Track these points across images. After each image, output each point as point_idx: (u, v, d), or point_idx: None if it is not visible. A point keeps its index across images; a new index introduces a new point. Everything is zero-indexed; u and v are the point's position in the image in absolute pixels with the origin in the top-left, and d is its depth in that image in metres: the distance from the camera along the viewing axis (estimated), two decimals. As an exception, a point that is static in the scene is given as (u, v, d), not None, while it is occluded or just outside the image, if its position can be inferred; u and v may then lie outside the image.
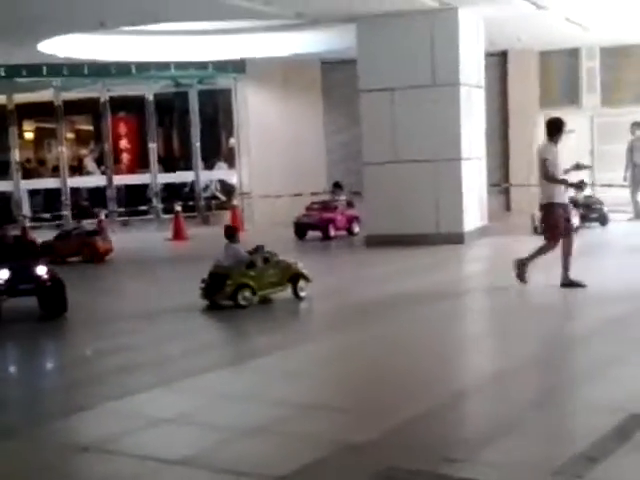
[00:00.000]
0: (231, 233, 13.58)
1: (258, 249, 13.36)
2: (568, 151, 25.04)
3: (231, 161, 28.35)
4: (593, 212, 19.79)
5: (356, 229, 21.24)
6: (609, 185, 23.42)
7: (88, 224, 20.86)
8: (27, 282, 11.72)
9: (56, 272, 12.14)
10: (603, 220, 19.79)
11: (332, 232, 20.68)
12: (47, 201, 28.43)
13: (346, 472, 5.97)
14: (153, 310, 12.92)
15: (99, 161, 29.47)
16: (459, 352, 10.13)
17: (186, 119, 28.74)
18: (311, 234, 21.05)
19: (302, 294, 12.96)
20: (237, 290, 12.36)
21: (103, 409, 7.86)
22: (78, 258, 18.80)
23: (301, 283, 13.00)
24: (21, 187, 27.48)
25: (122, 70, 25.46)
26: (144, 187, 28.70)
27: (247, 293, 12.44)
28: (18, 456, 6.74)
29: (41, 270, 11.75)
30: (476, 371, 9.14)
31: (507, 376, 8.50)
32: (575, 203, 17.98)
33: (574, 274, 12.32)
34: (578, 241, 13.32)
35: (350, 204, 21.96)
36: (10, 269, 11.58)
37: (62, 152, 28.57)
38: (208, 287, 12.65)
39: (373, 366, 9.00)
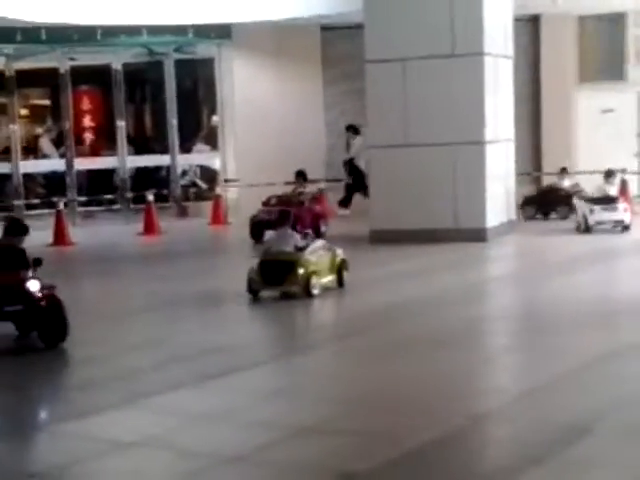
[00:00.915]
0: (285, 217, 14.71)
1: (307, 235, 14.55)
2: (610, 133, 25.39)
3: (213, 143, 28.34)
4: None
5: (323, 228, 20.41)
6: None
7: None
8: (16, 302, 9.89)
9: (53, 287, 10.41)
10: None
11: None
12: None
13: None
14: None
15: (57, 142, 29.39)
16: (485, 369, 10.14)
17: (161, 93, 28.68)
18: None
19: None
20: (308, 279, 13.24)
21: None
22: None
23: (345, 272, 14.13)
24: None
25: (86, 36, 25.40)
26: (111, 172, 28.63)
27: (322, 280, 13.62)
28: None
29: (34, 286, 9.97)
30: (502, 390, 9.10)
31: (536, 396, 8.49)
32: None
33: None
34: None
35: (316, 198, 21.62)
36: None
37: (14, 131, 28.50)
38: (268, 275, 13.28)
39: (386, 382, 8.97)
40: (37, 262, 10.24)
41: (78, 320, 13.06)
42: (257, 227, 20.12)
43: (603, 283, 12.30)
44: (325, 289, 13.82)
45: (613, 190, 18.26)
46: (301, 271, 13.26)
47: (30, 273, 10.24)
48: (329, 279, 14.03)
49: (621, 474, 6.37)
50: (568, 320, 11.66)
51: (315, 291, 13.41)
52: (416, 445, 7.04)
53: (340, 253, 14.33)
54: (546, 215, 21.31)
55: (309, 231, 14.86)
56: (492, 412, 8.27)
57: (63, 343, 10.39)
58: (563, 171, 20.20)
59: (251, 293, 13.54)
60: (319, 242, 14.57)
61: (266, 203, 21.31)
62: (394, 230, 17.70)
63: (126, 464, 6.96)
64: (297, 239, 14.10)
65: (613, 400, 8.34)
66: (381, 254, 16.65)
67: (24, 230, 10.44)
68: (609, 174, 18.80)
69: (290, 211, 15.76)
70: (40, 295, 9.90)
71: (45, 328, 10.04)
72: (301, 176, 22.20)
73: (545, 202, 21.50)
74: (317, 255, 13.88)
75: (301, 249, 13.76)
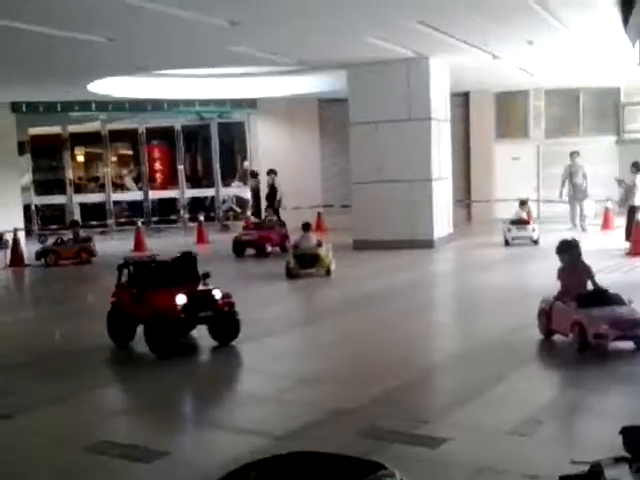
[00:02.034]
0: (307, 225, 15.73)
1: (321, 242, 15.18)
2: (516, 175, 25.46)
3: (245, 180, 28.28)
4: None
5: (287, 244, 18.12)
6: (551, 201, 23.52)
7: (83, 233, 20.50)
8: (207, 309, 8.53)
9: (229, 295, 8.83)
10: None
11: (269, 249, 18.37)
12: (95, 212, 28.25)
13: (337, 427, 5.95)
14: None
15: (137, 179, 29.47)
16: (431, 334, 10.05)
17: (208, 146, 28.75)
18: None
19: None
20: (314, 261, 14.37)
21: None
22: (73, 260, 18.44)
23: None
24: (74, 200, 27.45)
25: (156, 106, 25.37)
26: (174, 200, 28.63)
27: (333, 266, 14.47)
28: (69, 416, 6.66)
29: (218, 294, 8.64)
30: (444, 350, 9.08)
31: (468, 355, 8.47)
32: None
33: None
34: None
35: (282, 224, 20.02)
36: (187, 294, 8.44)
37: (106, 172, 28.59)
38: (302, 263, 14.31)
39: (364, 346, 8.95)
40: (206, 275, 8.91)
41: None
42: (239, 245, 18.47)
43: (513, 278, 12.28)
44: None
45: (524, 214, 18.21)
46: (326, 260, 14.42)
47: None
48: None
49: (526, 407, 6.37)
50: (487, 301, 11.62)
51: (333, 274, 14.35)
52: (383, 389, 7.07)
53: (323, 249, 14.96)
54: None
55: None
56: (438, 366, 8.27)
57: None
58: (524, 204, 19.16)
59: (288, 275, 14.24)
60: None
61: (246, 227, 20.14)
62: (370, 240, 17.59)
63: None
64: (314, 239, 15.11)
65: (519, 356, 8.34)
66: (362, 256, 16.60)
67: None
68: (523, 203, 18.76)
69: (309, 223, 16.45)
70: (222, 302, 8.62)
71: (226, 329, 8.71)
72: (270, 207, 21.79)
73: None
74: (327, 250, 14.73)
75: (319, 245, 14.79)
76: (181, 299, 8.24)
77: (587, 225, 19.99)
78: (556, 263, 8.79)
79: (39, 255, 18.62)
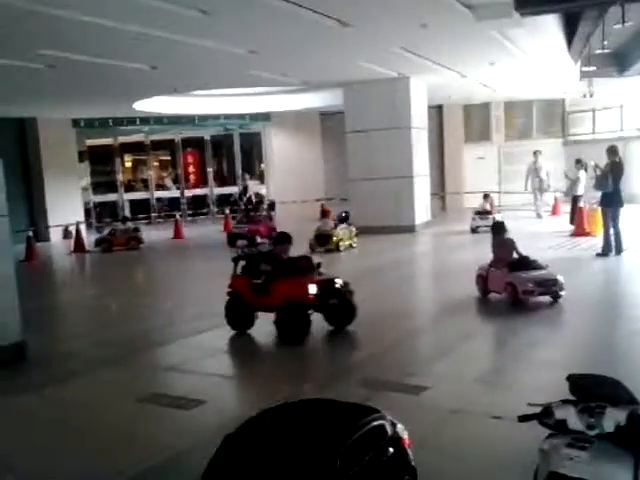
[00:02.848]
0: (325, 213, 16.50)
1: (342, 220, 15.81)
2: (482, 170, 25.40)
3: (262, 179, 28.25)
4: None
5: (273, 234, 18.02)
6: (511, 192, 23.48)
7: (131, 224, 20.31)
8: (334, 296, 7.56)
9: (348, 283, 7.75)
10: None
11: (258, 240, 16.61)
12: (141, 207, 28.27)
13: (340, 380, 5.97)
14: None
15: (174, 180, 29.45)
16: (416, 298, 10.02)
17: (231, 152, 28.74)
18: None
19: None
20: (338, 242, 15.00)
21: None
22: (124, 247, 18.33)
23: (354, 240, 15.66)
24: (123, 198, 27.47)
25: (189, 120, 25.32)
26: (204, 197, 28.64)
27: (342, 243, 15.13)
28: (124, 374, 6.70)
29: (339, 282, 7.60)
30: (424, 313, 9.08)
31: (445, 316, 8.48)
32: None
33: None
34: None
35: (270, 218, 19.09)
36: (317, 283, 7.48)
37: (150, 175, 28.57)
38: (320, 241, 14.99)
39: (363, 311, 8.91)
40: (318, 265, 7.78)
41: (192, 276, 13.19)
42: (232, 237, 17.27)
43: (475, 256, 12.19)
44: (345, 248, 15.18)
45: (488, 206, 18.02)
46: (334, 239, 14.97)
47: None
48: (347, 243, 15.35)
49: (496, 362, 6.38)
50: (455, 273, 11.49)
51: (341, 248, 14.95)
52: (377, 348, 7.09)
53: (354, 229, 15.80)
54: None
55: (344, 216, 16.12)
56: (421, 326, 8.25)
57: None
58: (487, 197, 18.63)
59: (311, 250, 14.46)
60: (343, 225, 15.64)
61: (239, 222, 18.73)
62: (363, 226, 17.41)
63: (215, 362, 7.01)
64: (331, 223, 15.63)
65: (484, 315, 8.37)
66: (359, 240, 16.50)
67: (289, 239, 7.81)
68: (486, 196, 18.62)
69: (329, 210, 16.97)
70: (343, 290, 7.60)
71: (345, 315, 7.64)
72: (260, 204, 21.17)
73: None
74: (342, 231, 15.31)
75: (335, 227, 15.33)
76: (313, 288, 7.31)
77: (543, 212, 19.94)
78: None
79: (97, 243, 18.72)
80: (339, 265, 13.38)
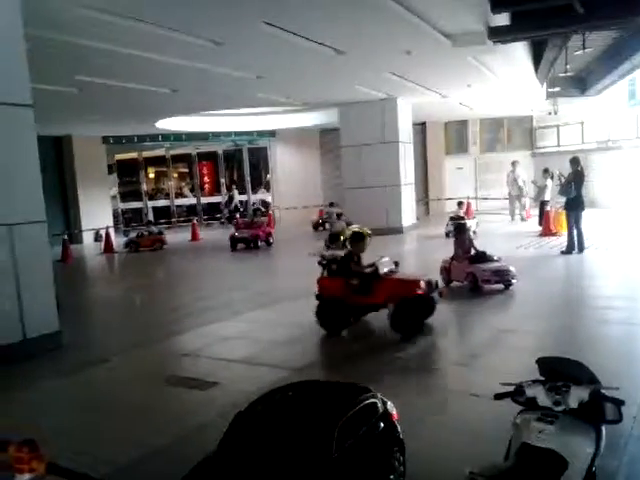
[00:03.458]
0: (339, 215, 16.25)
1: (350, 223, 15.29)
2: (460, 179, 25.38)
3: (268, 188, 28.20)
4: None
5: (271, 240, 17.24)
6: (486, 198, 23.48)
7: (155, 227, 20.39)
8: (433, 290, 7.10)
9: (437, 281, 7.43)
10: None
11: (259, 243, 16.99)
12: (163, 213, 28.25)
13: (330, 359, 5.94)
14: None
15: (192, 189, 29.39)
16: None
17: (241, 164, 28.63)
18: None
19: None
20: (345, 240, 13.82)
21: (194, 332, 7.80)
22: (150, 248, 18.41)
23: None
24: (148, 205, 27.42)
25: (204, 136, 25.22)
26: (218, 204, 28.54)
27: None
28: (148, 359, 6.69)
29: (423, 283, 6.97)
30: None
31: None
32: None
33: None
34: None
35: (268, 223, 18.54)
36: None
37: (170, 185, 28.51)
38: (331, 240, 14.75)
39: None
40: (397, 264, 7.38)
41: (207, 273, 13.17)
42: (234, 241, 16.83)
43: (449, 254, 12.16)
44: None
45: (461, 212, 17.50)
46: (341, 237, 14.09)
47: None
48: None
49: (465, 344, 6.33)
50: (434, 266, 11.57)
51: (349, 246, 13.78)
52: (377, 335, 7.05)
53: (367, 230, 14.68)
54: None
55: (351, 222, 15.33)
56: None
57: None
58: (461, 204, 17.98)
59: (326, 247, 14.34)
60: (354, 226, 14.94)
61: (239, 227, 17.76)
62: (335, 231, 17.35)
63: (228, 347, 6.99)
64: (343, 224, 15.31)
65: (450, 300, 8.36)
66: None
67: (363, 238, 7.52)
68: (460, 203, 18.22)
69: (342, 212, 16.60)
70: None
71: (426, 311, 7.06)
72: (258, 210, 21.14)
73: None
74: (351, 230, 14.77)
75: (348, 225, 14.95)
76: (423, 283, 6.90)
77: (521, 215, 19.60)
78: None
79: (126, 245, 18.70)
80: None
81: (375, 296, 6.88)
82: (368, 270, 7.10)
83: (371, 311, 7.08)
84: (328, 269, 7.42)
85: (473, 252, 9.44)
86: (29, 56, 6.93)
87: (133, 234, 20.02)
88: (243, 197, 27.93)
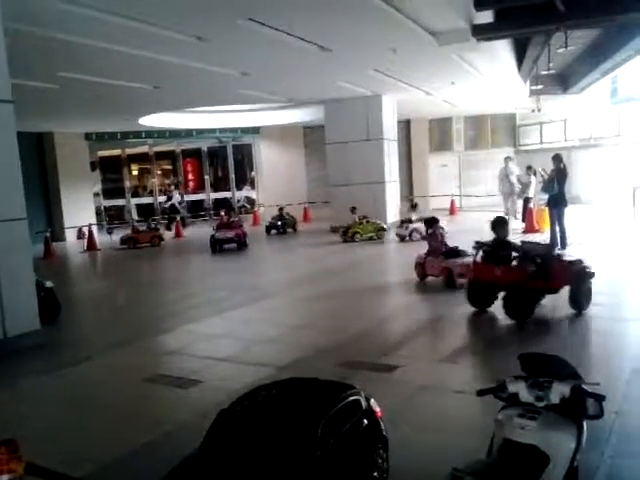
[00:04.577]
0: (353, 209, 16.38)
1: (365, 217, 16.20)
2: (446, 176, 25.48)
3: (253, 185, 28.08)
4: None
5: (247, 239, 16.26)
6: (470, 195, 23.57)
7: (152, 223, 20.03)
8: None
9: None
10: None
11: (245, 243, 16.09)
12: (146, 210, 27.91)
13: (320, 363, 5.93)
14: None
15: (176, 186, 29.14)
16: (385, 288, 9.79)
17: (226, 161, 28.41)
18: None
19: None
20: (354, 234, 15.65)
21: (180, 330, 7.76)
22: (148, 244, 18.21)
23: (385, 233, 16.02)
24: (131, 202, 27.20)
25: (188, 133, 25.06)
26: (202, 201, 28.31)
27: (357, 235, 15.68)
28: (131, 357, 6.64)
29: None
30: (392, 303, 9.06)
31: (410, 306, 8.47)
32: None
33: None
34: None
35: (241, 225, 16.80)
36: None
37: (153, 182, 28.27)
38: (343, 234, 15.69)
39: (335, 303, 8.90)
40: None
41: (190, 271, 13.11)
42: (214, 243, 15.72)
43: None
44: (362, 239, 15.56)
45: (414, 216, 15.52)
46: (350, 231, 15.74)
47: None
48: (369, 235, 15.81)
49: (451, 343, 6.33)
50: (406, 263, 11.60)
51: (356, 239, 15.55)
52: (353, 333, 7.07)
53: (381, 223, 16.24)
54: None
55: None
56: (389, 315, 8.19)
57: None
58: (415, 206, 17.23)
59: (343, 240, 15.47)
60: (368, 219, 16.13)
61: (219, 227, 16.56)
62: (343, 225, 17.46)
63: (213, 346, 6.96)
64: (356, 218, 16.07)
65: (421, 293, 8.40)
66: (335, 238, 16.47)
67: (506, 222, 7.52)
68: (414, 206, 17.16)
69: (355, 207, 16.55)
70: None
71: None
72: (232, 210, 20.41)
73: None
74: (363, 225, 15.90)
75: (358, 222, 16.02)
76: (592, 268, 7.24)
77: (517, 214, 18.72)
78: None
79: (123, 241, 18.35)
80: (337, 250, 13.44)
81: (551, 281, 7.04)
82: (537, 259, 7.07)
83: (550, 293, 7.15)
84: (485, 254, 7.50)
85: (444, 248, 9.65)
86: (9, 51, 6.84)
87: (122, 232, 19.81)
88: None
